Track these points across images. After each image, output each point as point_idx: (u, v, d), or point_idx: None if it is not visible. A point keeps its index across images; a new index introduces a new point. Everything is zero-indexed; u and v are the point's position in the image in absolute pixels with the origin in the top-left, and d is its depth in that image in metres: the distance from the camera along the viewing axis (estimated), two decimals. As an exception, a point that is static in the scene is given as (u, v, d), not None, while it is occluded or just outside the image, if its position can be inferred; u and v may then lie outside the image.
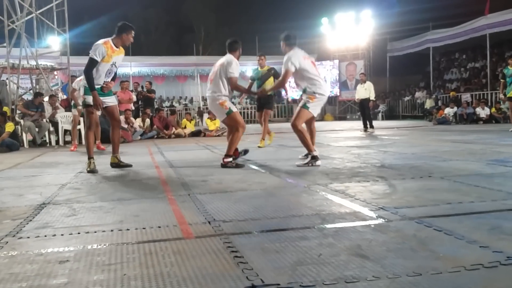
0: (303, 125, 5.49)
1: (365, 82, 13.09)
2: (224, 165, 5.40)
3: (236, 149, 5.81)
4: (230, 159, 5.47)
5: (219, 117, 5.72)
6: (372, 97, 12.96)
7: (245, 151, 6.09)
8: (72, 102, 9.74)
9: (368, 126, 12.61)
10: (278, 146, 8.47)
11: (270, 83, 7.85)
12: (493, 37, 19.93)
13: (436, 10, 23.24)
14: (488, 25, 19.54)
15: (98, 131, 8.81)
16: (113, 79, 5.67)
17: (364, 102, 12.90)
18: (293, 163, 5.56)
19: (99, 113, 6.06)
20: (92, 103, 5.38)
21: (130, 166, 5.67)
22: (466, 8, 20.95)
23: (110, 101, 5.61)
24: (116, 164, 5.66)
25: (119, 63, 5.62)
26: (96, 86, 5.34)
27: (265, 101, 8.48)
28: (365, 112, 13.00)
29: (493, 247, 2.05)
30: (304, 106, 5.37)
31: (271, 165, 5.48)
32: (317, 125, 17.99)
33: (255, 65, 30.18)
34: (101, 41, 5.38)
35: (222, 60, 5.67)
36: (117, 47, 5.45)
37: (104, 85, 5.46)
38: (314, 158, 5.29)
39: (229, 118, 5.58)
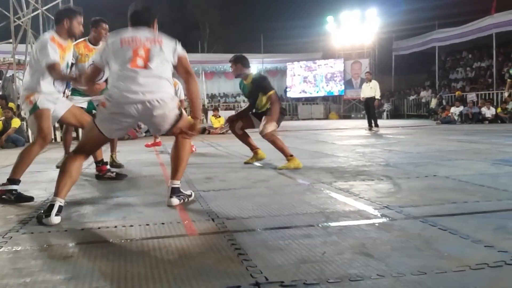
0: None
1: (370, 81, 13.09)
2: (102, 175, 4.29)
3: (106, 163, 4.63)
4: (13, 187, 3.52)
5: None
6: (378, 96, 12.97)
7: (119, 175, 4.63)
8: None
9: (373, 125, 12.60)
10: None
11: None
12: (500, 37, 19.84)
13: (442, 9, 23.15)
14: (495, 25, 19.45)
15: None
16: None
17: (369, 101, 12.90)
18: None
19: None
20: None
21: (121, 166, 5.43)
22: (472, 7, 20.85)
23: (99, 100, 5.49)
24: (111, 163, 5.36)
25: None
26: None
27: None
28: (370, 111, 12.98)
29: (498, 247, 2.04)
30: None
31: (275, 163, 5.47)
32: (322, 123, 17.84)
33: (260, 63, 29.79)
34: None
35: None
36: (95, 45, 5.12)
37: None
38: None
39: (32, 119, 3.78)
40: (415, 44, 25.39)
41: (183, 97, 7.77)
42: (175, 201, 3.21)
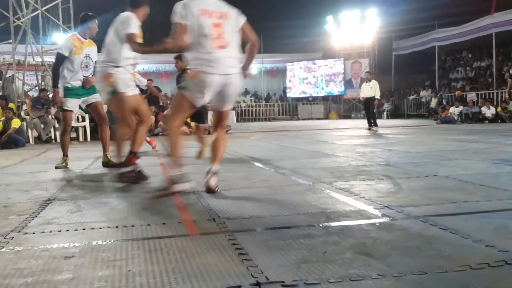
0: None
1: (370, 80, 13.07)
2: (121, 176, 4.07)
3: (135, 154, 4.33)
4: (129, 169, 4.05)
5: (103, 98, 4.67)
6: (377, 96, 12.96)
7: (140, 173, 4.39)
8: None
9: (373, 124, 12.60)
10: (283, 145, 8.45)
11: None
12: (499, 36, 19.84)
13: (442, 9, 23.12)
14: (494, 24, 19.46)
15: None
16: (94, 74, 5.61)
17: (369, 101, 12.89)
18: (297, 161, 5.56)
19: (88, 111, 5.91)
20: (69, 108, 5.42)
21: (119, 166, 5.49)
22: (472, 6, 20.84)
23: (93, 98, 5.48)
24: (106, 163, 5.46)
25: (94, 55, 5.54)
26: (76, 83, 5.36)
27: None
28: (369, 110, 12.98)
29: (499, 247, 2.04)
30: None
31: (276, 163, 5.47)
32: (322, 123, 17.77)
33: (260, 63, 29.67)
34: (67, 36, 5.43)
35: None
36: (85, 39, 5.43)
37: (84, 80, 5.39)
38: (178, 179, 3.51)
39: (114, 101, 4.28)
40: (415, 43, 25.37)
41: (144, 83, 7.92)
42: (215, 179, 3.63)
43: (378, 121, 13.03)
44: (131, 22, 3.92)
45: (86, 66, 5.43)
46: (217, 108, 3.69)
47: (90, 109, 5.67)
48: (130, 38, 3.77)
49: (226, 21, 3.43)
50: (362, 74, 24.33)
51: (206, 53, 3.33)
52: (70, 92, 5.34)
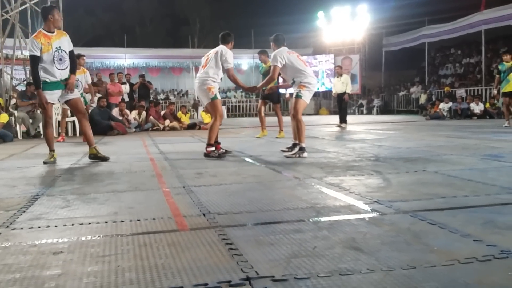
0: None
1: (341, 75, 12.61)
2: (207, 155, 5.57)
3: (219, 143, 5.97)
4: (213, 148, 5.63)
5: (204, 101, 5.82)
6: (349, 90, 12.54)
7: (227, 151, 5.93)
8: None
9: (340, 121, 12.31)
10: (273, 140, 8.46)
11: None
12: (488, 33, 19.98)
13: (432, 5, 23.26)
14: (484, 21, 19.61)
15: (64, 122, 9.70)
16: (74, 66, 5.53)
17: (341, 96, 12.56)
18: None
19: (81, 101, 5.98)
20: (49, 100, 5.34)
21: (107, 159, 5.53)
22: (461, 3, 20.98)
23: (72, 94, 5.49)
24: (94, 155, 5.55)
25: (67, 46, 5.40)
26: (53, 79, 5.28)
27: (269, 95, 8.92)
28: (341, 106, 12.73)
29: (487, 241, 2.06)
30: (297, 96, 5.71)
31: (266, 158, 5.48)
32: (312, 119, 17.84)
33: (251, 58, 29.77)
34: (31, 37, 5.42)
35: (216, 49, 5.78)
36: (52, 32, 5.30)
37: (67, 85, 5.34)
38: (302, 149, 5.58)
39: (212, 104, 5.69)
40: (405, 40, 25.51)
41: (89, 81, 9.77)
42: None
43: (370, 117, 13.09)
44: (231, 56, 5.68)
45: (60, 59, 5.29)
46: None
47: (69, 105, 5.68)
48: (231, 71, 5.75)
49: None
50: (352, 70, 24.42)
51: (309, 70, 5.84)
52: (48, 85, 5.26)
